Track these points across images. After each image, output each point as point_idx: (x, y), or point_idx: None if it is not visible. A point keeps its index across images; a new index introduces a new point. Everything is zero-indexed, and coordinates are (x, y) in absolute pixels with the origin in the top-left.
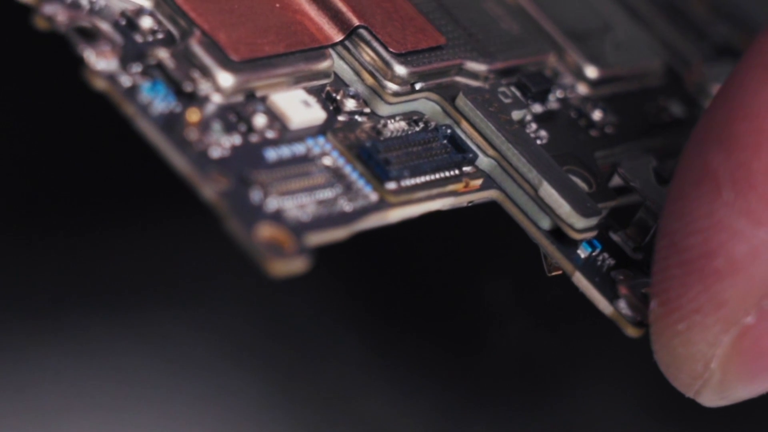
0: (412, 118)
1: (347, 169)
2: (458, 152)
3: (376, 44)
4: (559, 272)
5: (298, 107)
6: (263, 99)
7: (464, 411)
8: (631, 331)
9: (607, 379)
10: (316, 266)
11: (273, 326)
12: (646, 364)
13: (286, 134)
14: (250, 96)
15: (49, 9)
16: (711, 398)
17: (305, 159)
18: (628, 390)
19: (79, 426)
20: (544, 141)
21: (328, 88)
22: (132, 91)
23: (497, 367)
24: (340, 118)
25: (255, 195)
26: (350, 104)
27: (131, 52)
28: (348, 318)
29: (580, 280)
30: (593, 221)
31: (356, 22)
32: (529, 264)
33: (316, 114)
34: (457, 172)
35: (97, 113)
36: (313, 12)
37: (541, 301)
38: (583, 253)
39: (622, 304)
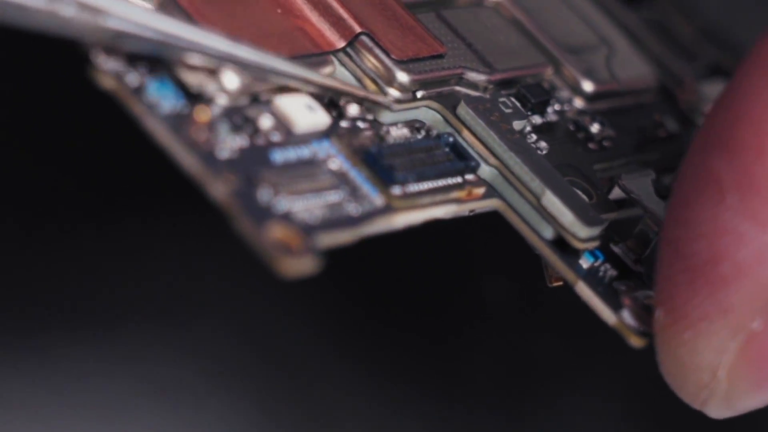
0: (414, 125)
1: (353, 173)
2: (461, 160)
3: (378, 51)
4: (560, 283)
5: (303, 111)
6: (268, 102)
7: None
8: (635, 341)
9: (600, 383)
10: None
11: (262, 339)
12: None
13: (291, 137)
14: (255, 99)
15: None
16: (718, 408)
17: (311, 162)
18: (622, 396)
19: None
20: (544, 152)
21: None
22: (139, 90)
23: (493, 374)
24: (343, 124)
25: (264, 195)
26: (353, 110)
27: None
28: (342, 328)
29: (583, 290)
30: (596, 230)
31: (358, 29)
32: (530, 274)
33: (321, 118)
34: (460, 179)
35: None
36: (315, 18)
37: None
38: (585, 263)
39: (626, 314)
